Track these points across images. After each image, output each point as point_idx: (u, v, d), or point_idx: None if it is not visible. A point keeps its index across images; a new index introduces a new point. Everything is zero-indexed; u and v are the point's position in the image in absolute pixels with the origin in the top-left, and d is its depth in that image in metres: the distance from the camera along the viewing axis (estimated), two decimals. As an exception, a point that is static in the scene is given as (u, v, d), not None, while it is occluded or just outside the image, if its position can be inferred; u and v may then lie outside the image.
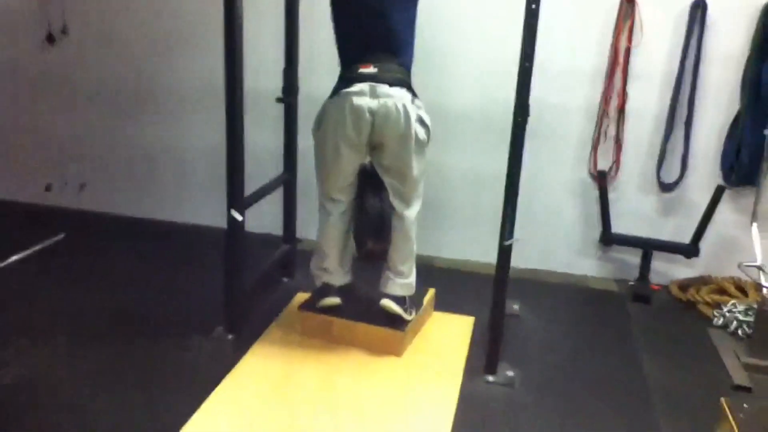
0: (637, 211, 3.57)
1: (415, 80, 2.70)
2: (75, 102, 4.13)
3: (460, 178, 3.69)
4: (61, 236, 3.84)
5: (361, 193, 2.78)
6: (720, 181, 3.38)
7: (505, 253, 2.61)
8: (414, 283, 2.87)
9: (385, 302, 2.77)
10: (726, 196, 3.37)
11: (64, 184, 4.29)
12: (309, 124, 2.78)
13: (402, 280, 2.82)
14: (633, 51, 3.35)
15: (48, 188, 4.30)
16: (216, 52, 2.64)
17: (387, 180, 2.71)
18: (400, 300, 2.79)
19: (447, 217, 3.76)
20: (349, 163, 2.68)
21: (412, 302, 2.86)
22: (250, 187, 2.91)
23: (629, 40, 3.33)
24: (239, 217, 2.77)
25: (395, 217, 2.75)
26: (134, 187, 4.20)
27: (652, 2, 3.29)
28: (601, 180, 3.47)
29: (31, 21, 3.99)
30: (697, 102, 3.34)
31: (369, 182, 2.76)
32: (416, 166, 2.65)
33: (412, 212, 2.76)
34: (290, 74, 3.23)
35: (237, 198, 2.76)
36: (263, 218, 3.42)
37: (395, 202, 2.73)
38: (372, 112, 2.51)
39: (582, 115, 3.50)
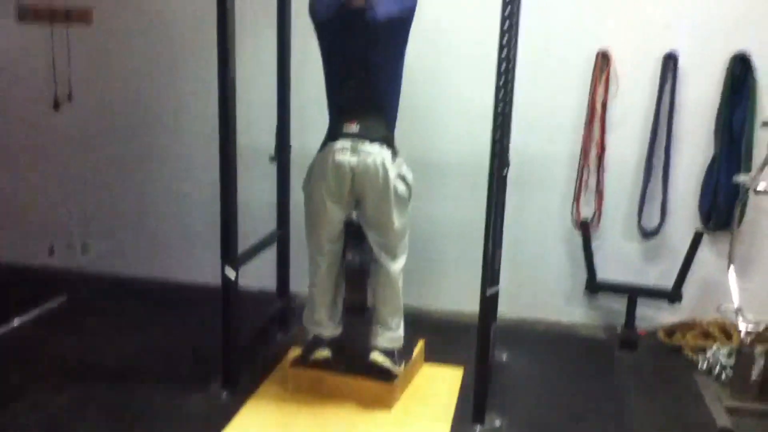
0: (621, 257, 3.66)
1: (402, 133, 2.85)
2: (77, 164, 4.28)
3: (449, 229, 3.79)
4: (63, 298, 3.94)
5: (344, 245, 2.90)
6: (699, 226, 3.48)
7: (487, 302, 2.69)
8: (402, 337, 2.95)
9: (374, 356, 2.85)
10: (706, 240, 3.47)
11: (67, 246, 4.41)
12: (302, 180, 2.91)
13: (390, 334, 2.90)
14: (609, 102, 3.49)
15: (51, 251, 4.42)
16: (212, 112, 2.80)
17: (370, 233, 2.82)
18: (389, 353, 2.87)
19: (437, 267, 3.85)
20: (334, 216, 2.80)
21: (401, 354, 2.93)
22: (245, 244, 3.03)
23: (606, 92, 3.48)
24: (232, 275, 2.87)
25: (380, 270, 2.85)
26: (135, 247, 4.32)
27: (626, 55, 3.45)
28: (585, 229, 3.56)
29: (39, 88, 4.17)
30: (673, 149, 3.46)
31: (351, 235, 2.88)
32: (397, 220, 2.76)
33: (396, 266, 2.86)
34: (282, 133, 3.38)
35: (230, 256, 2.87)
36: (258, 273, 3.51)
37: (380, 256, 2.83)
38: (352, 168, 2.66)
39: (565, 165, 3.63)
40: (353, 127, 2.69)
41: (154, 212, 4.25)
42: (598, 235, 3.64)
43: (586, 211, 3.62)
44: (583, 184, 3.59)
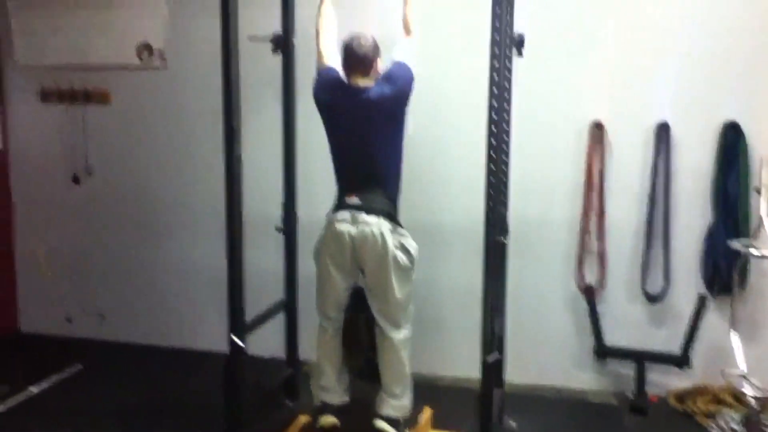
0: (627, 322, 3.66)
1: (407, 201, 2.98)
2: (94, 235, 4.44)
3: (455, 295, 3.83)
4: (79, 365, 4.02)
5: (346, 310, 2.99)
6: (703, 289, 3.49)
7: (489, 369, 2.71)
8: (409, 405, 2.96)
9: (378, 423, 2.87)
10: (712, 304, 3.48)
11: (84, 314, 4.52)
12: (308, 249, 3.02)
13: (396, 402, 2.91)
14: (606, 170, 3.57)
15: (69, 319, 4.53)
16: (221, 185, 2.93)
17: (372, 302, 2.89)
18: (393, 421, 2.88)
19: (444, 333, 3.87)
20: (339, 283, 2.90)
21: (407, 423, 2.94)
22: (253, 312, 3.11)
23: (601, 160, 3.57)
24: (240, 343, 2.94)
25: (384, 338, 2.90)
26: (148, 315, 4.41)
27: (620, 125, 3.56)
28: (589, 294, 3.59)
29: (61, 163, 4.39)
30: (671, 215, 3.52)
31: (355, 301, 2.96)
32: (398, 290, 2.83)
33: (400, 335, 2.90)
34: (289, 205, 3.50)
35: (237, 324, 2.95)
36: (268, 341, 3.58)
37: (381, 323, 2.89)
38: (352, 237, 2.77)
39: (566, 230, 3.69)
40: (354, 200, 2.82)
41: (166, 282, 4.36)
42: (603, 299, 3.66)
43: (590, 276, 3.66)
44: (585, 249, 3.64)
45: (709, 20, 3.42)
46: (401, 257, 2.82)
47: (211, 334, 4.17)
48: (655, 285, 3.58)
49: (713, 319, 3.51)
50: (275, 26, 3.35)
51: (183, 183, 4.24)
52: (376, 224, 2.76)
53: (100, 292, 4.49)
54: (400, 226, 2.87)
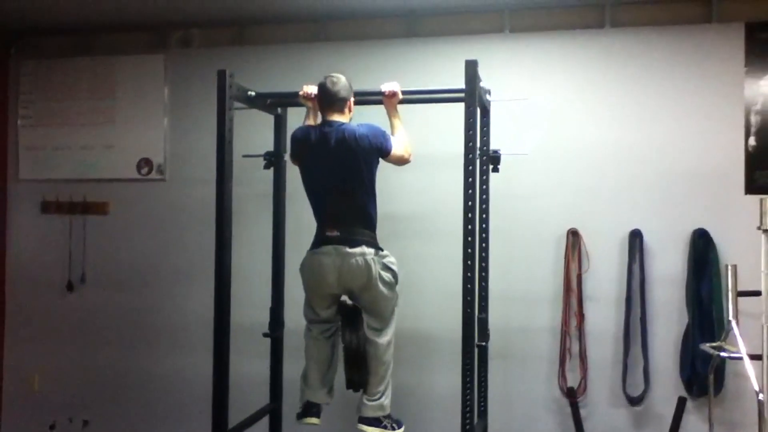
0: (610, 425, 3.70)
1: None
2: (84, 343, 4.48)
3: (437, 400, 3.85)
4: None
5: (341, 329, 3.11)
6: (683, 391, 3.56)
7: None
8: (387, 405, 3.07)
9: (361, 427, 3.01)
10: (691, 406, 3.55)
11: (69, 422, 4.49)
12: (294, 355, 3.17)
13: (374, 402, 3.05)
14: (583, 276, 3.73)
15: (53, 426, 4.49)
16: (212, 290, 3.06)
17: (365, 314, 3.05)
18: (374, 421, 3.02)
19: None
20: (320, 304, 3.09)
21: (392, 420, 3.06)
22: (237, 416, 3.15)
23: (579, 266, 3.73)
24: (224, 452, 2.96)
25: (370, 344, 3.04)
26: (134, 423, 4.38)
27: (594, 233, 3.74)
28: (571, 397, 3.65)
29: (56, 271, 4.50)
30: (648, 319, 3.64)
31: (346, 318, 3.09)
32: (386, 304, 3.03)
33: (384, 338, 3.05)
34: (276, 311, 3.60)
35: (221, 430, 2.98)
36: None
37: (369, 332, 3.04)
38: (337, 269, 2.93)
39: (547, 334, 3.79)
40: (335, 233, 2.97)
41: (152, 389, 4.37)
42: (585, 402, 3.71)
43: (572, 379, 3.73)
44: (567, 352, 3.73)
45: (679, 136, 3.67)
46: (386, 275, 2.99)
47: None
48: (636, 387, 3.65)
49: (693, 420, 3.57)
50: (267, 144, 3.60)
51: (173, 290, 4.35)
52: (360, 253, 2.92)
53: (85, 400, 4.48)
54: (381, 249, 3.02)
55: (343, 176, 2.98)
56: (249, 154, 3.53)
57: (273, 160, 3.57)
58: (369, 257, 2.94)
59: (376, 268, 2.95)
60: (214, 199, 3.04)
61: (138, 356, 4.40)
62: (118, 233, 4.44)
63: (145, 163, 4.38)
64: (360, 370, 3.06)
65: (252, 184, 3.73)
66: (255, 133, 3.63)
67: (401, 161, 3.08)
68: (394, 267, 3.06)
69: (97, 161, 4.46)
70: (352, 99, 3.08)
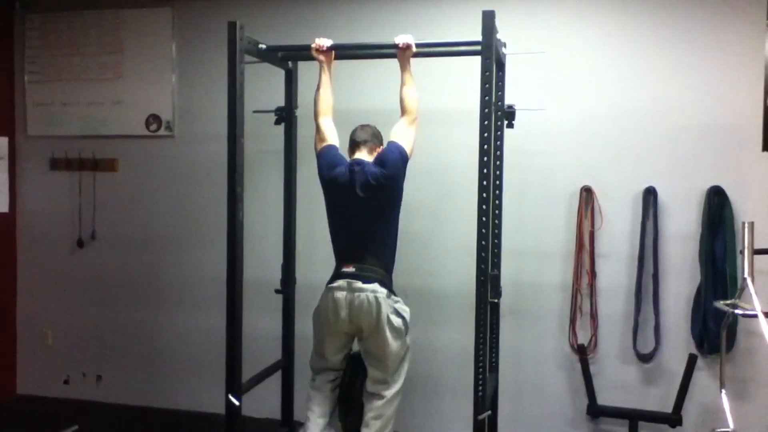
0: (620, 381, 3.72)
1: (403, 266, 3.12)
2: (96, 298, 4.52)
3: (448, 356, 3.88)
4: (75, 427, 4.03)
5: (344, 374, 3.11)
6: (693, 349, 3.57)
7: (480, 427, 2.77)
8: None
9: None
10: (703, 363, 3.55)
11: (83, 376, 4.55)
12: (306, 312, 3.15)
13: None
14: (596, 233, 3.70)
15: (66, 381, 4.56)
16: (222, 249, 3.04)
17: (368, 363, 3.00)
18: None
19: (436, 393, 3.92)
20: (331, 347, 3.05)
21: None
22: (249, 373, 3.18)
23: (591, 224, 3.70)
24: (236, 402, 2.99)
25: (371, 399, 3.00)
26: (148, 377, 4.44)
27: (608, 190, 3.69)
28: (582, 353, 3.66)
29: (66, 228, 4.51)
30: (661, 277, 3.62)
31: (352, 366, 3.08)
32: (393, 352, 2.95)
33: (388, 391, 3.01)
34: (288, 268, 3.61)
35: (234, 383, 3.01)
36: (261, 403, 3.64)
37: (371, 385, 3.00)
38: (348, 303, 2.92)
39: (558, 291, 3.78)
40: (350, 269, 2.97)
41: (164, 344, 4.41)
42: (596, 359, 3.73)
43: (583, 336, 3.74)
44: (578, 309, 3.73)
45: (696, 93, 3.59)
46: (395, 320, 2.95)
47: (207, 396, 4.21)
48: (647, 344, 3.66)
49: (703, 378, 3.58)
50: (277, 100, 3.55)
51: (184, 248, 4.35)
52: (371, 290, 2.91)
53: (98, 355, 4.53)
54: (394, 294, 3.02)
55: (363, 217, 2.99)
56: (260, 110, 3.49)
57: (284, 115, 3.53)
58: (380, 296, 2.93)
59: (385, 310, 2.93)
60: (223, 155, 3.00)
61: (150, 312, 4.43)
62: (128, 190, 4.43)
63: (153, 119, 4.34)
64: (358, 419, 3.05)
65: (263, 140, 3.70)
66: (266, 88, 3.58)
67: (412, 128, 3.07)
68: (405, 315, 3.04)
69: (105, 117, 4.42)
70: (379, 148, 3.10)
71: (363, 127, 3.15)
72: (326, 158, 3.07)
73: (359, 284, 2.92)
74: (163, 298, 4.40)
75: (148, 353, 4.45)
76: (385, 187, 2.96)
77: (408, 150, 3.02)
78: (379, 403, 2.99)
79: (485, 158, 2.70)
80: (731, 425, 2.99)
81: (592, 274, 3.70)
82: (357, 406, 3.06)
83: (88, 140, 4.45)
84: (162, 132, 4.33)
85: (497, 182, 3.32)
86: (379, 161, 2.99)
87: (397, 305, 2.99)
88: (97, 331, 4.53)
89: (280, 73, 3.57)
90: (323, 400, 3.11)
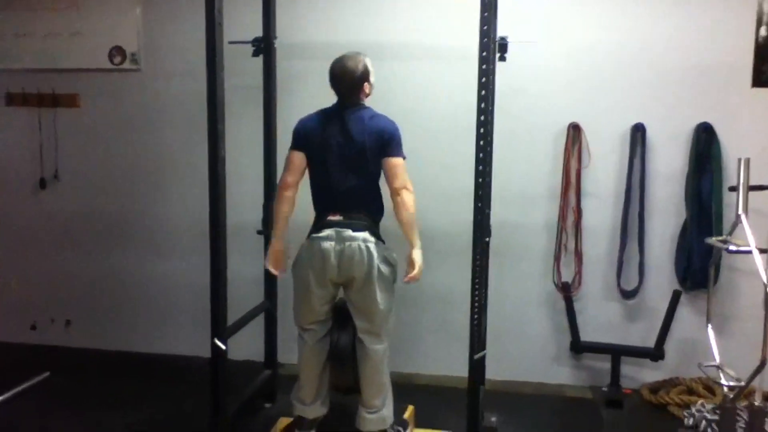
0: (603, 318, 3.75)
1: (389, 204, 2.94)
2: (62, 242, 4.33)
3: (432, 297, 3.86)
4: (45, 375, 3.90)
5: (331, 328, 2.97)
6: (676, 286, 3.59)
7: (476, 366, 2.75)
8: (389, 416, 2.96)
9: None
10: (685, 299, 3.60)
11: (50, 322, 4.39)
12: (289, 253, 2.98)
13: (374, 416, 2.91)
14: (583, 171, 3.65)
15: (33, 327, 4.40)
16: (199, 189, 2.86)
17: (356, 316, 2.88)
18: None
19: (422, 334, 3.91)
20: (319, 299, 2.87)
21: (395, 428, 2.97)
22: (232, 316, 3.07)
23: (578, 161, 3.64)
24: (223, 346, 2.90)
25: (365, 352, 2.89)
26: (119, 321, 4.32)
27: (596, 127, 3.63)
28: (566, 291, 3.67)
29: (27, 168, 4.27)
30: (646, 215, 3.62)
31: (338, 318, 2.95)
32: (382, 302, 2.82)
33: (380, 347, 2.89)
34: (269, 208, 3.46)
35: (220, 327, 2.91)
36: (245, 345, 3.56)
37: (364, 337, 2.88)
38: (337, 253, 2.76)
39: (543, 231, 3.76)
40: (337, 217, 2.81)
41: (136, 287, 4.27)
42: (579, 297, 3.74)
43: (567, 274, 3.73)
44: (562, 247, 3.71)
45: (686, 27, 3.53)
46: (385, 269, 2.83)
47: (182, 339, 4.14)
48: (631, 282, 3.68)
49: (685, 314, 3.64)
50: (253, 31, 3.34)
51: (154, 188, 4.16)
52: (362, 238, 2.77)
53: (66, 300, 4.37)
54: (382, 241, 2.88)
55: (351, 166, 2.81)
56: (236, 41, 3.28)
57: (262, 46, 3.32)
58: (371, 245, 2.78)
59: (376, 257, 2.78)
60: (195, 90, 2.82)
61: (120, 255, 4.26)
62: (92, 127, 4.19)
63: (117, 51, 4.07)
64: (347, 374, 2.95)
65: (240, 74, 3.49)
66: (240, 18, 3.36)
67: (396, 183, 2.79)
68: (393, 262, 2.89)
69: (63, 50, 4.13)
70: (367, 83, 2.84)
71: (346, 60, 2.84)
72: (305, 120, 2.90)
73: (349, 233, 2.77)
74: (134, 241, 4.24)
75: (119, 298, 4.30)
76: (369, 148, 2.80)
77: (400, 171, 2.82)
78: (376, 357, 2.88)
79: (483, 92, 2.57)
80: (717, 359, 3.04)
81: (578, 212, 3.67)
82: (349, 362, 2.95)
83: (46, 74, 4.16)
84: (127, 65, 4.07)
85: (490, 118, 3.20)
86: (375, 119, 2.82)
87: (385, 253, 2.85)
88: (64, 276, 4.36)
89: (257, 1, 3.34)
90: (315, 356, 2.95)
